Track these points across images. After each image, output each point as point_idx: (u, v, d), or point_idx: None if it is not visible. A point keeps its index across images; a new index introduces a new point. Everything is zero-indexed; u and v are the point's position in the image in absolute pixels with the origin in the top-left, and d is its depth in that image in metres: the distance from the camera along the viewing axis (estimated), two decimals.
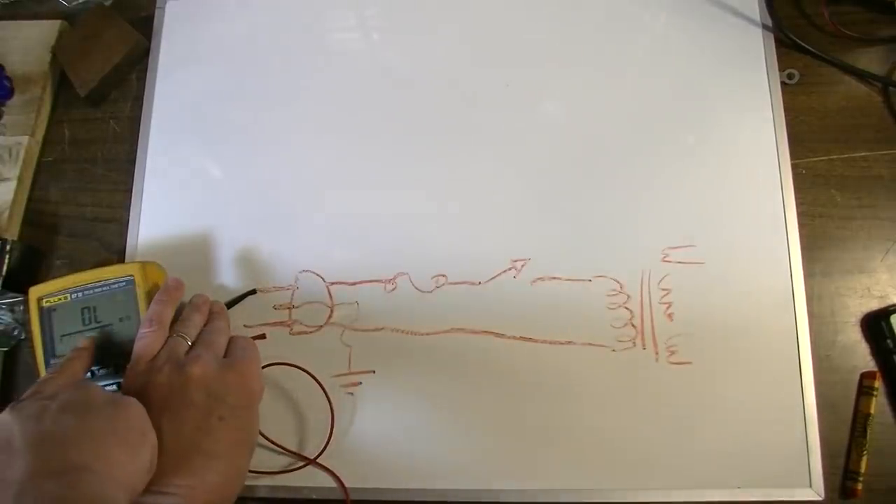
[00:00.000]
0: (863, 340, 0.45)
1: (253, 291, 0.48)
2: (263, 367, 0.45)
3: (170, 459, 0.36)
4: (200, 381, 0.37)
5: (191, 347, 0.40)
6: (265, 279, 0.49)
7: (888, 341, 0.44)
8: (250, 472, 0.44)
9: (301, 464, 0.45)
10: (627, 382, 0.45)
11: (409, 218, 0.49)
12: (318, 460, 0.44)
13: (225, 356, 0.41)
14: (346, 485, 0.44)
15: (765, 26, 0.51)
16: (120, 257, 0.51)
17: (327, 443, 0.45)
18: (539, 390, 0.45)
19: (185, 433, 0.37)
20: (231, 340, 0.42)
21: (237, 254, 0.49)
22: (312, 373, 0.46)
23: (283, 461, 0.45)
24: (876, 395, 0.44)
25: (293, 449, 0.45)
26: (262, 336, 0.46)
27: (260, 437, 0.44)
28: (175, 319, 0.42)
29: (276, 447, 0.45)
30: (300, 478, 0.45)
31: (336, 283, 0.48)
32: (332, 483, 0.44)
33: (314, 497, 0.44)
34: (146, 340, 0.40)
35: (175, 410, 0.37)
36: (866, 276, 0.46)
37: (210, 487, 0.36)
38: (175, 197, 0.51)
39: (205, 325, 0.42)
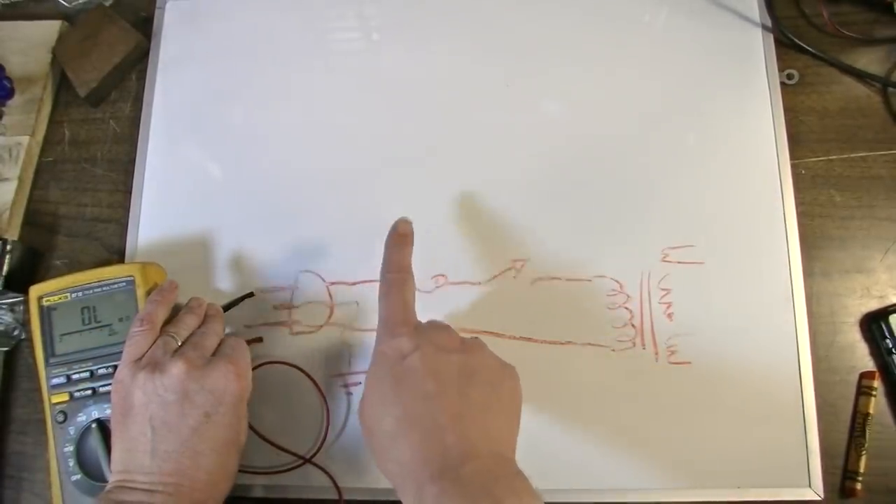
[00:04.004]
0: (862, 340, 0.45)
1: (251, 294, 0.48)
2: (258, 366, 0.45)
3: (157, 457, 0.36)
4: (183, 378, 0.37)
5: (179, 347, 0.40)
6: (265, 279, 0.49)
7: (887, 341, 0.44)
8: (245, 471, 0.44)
9: (296, 463, 0.45)
10: (627, 382, 0.45)
11: (409, 218, 0.49)
12: (313, 459, 0.44)
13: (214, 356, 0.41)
14: (342, 484, 0.44)
15: (764, 26, 0.51)
16: (120, 257, 0.51)
17: (322, 442, 0.45)
18: (539, 390, 0.45)
19: (170, 431, 0.37)
20: (221, 341, 0.42)
21: (237, 253, 0.50)
22: (309, 372, 0.46)
23: (278, 460, 0.45)
24: (875, 395, 0.44)
25: (289, 448, 0.45)
26: (259, 339, 0.46)
27: (255, 435, 0.44)
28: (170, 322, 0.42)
29: (271, 446, 0.45)
30: (295, 477, 0.45)
31: (336, 282, 0.48)
32: (327, 482, 0.44)
33: (310, 497, 0.45)
34: (135, 339, 0.40)
35: (159, 408, 0.37)
36: (865, 276, 0.46)
37: (198, 485, 0.37)
38: (175, 197, 0.51)
39: (199, 328, 0.42)
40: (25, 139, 0.53)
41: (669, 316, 0.46)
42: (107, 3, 0.57)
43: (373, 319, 0.47)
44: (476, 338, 0.38)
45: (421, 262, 0.47)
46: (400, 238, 0.41)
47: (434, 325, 0.38)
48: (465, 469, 0.31)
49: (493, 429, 0.34)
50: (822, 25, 0.51)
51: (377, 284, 0.47)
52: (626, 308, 0.46)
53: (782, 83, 0.50)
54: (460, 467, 0.31)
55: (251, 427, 0.44)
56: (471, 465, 0.31)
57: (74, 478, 0.42)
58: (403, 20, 0.54)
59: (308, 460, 0.44)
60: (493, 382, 0.36)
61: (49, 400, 0.43)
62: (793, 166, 0.48)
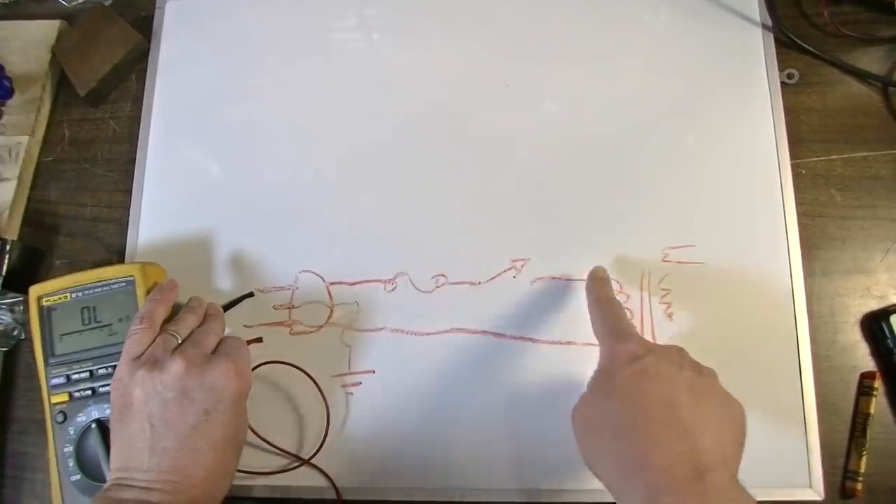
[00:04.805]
0: (862, 340, 0.45)
1: (251, 294, 0.48)
2: (259, 366, 0.45)
3: (155, 455, 0.36)
4: (182, 376, 0.37)
5: (179, 345, 0.40)
6: (265, 279, 0.49)
7: (888, 341, 0.44)
8: (244, 472, 0.44)
9: (295, 464, 0.45)
10: None
11: (409, 218, 0.49)
12: (313, 460, 0.44)
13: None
14: (344, 484, 0.44)
15: (765, 26, 0.51)
16: (120, 257, 0.51)
17: (322, 443, 0.45)
18: (539, 390, 0.45)
19: (169, 428, 0.37)
20: (221, 340, 0.42)
21: (237, 253, 0.50)
22: (309, 372, 0.46)
23: (279, 461, 0.45)
24: (876, 395, 0.44)
25: (291, 449, 0.45)
26: (259, 339, 0.46)
27: (255, 436, 0.44)
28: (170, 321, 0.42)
29: (270, 447, 0.45)
30: (296, 477, 0.45)
31: (336, 283, 0.48)
32: (327, 482, 0.44)
33: (310, 497, 0.45)
34: (135, 338, 0.40)
35: (158, 405, 0.37)
36: (866, 276, 0.46)
37: (195, 483, 0.37)
38: (175, 197, 0.51)
39: (199, 327, 0.42)
40: (25, 139, 0.54)
41: (669, 316, 0.46)
42: (107, 3, 0.57)
43: (373, 319, 0.47)
44: (709, 367, 0.37)
45: (421, 261, 0.48)
46: (600, 280, 0.43)
47: (666, 344, 0.38)
48: (704, 482, 0.31)
49: (725, 450, 0.33)
50: (823, 25, 0.51)
51: (377, 284, 0.48)
52: (626, 308, 0.46)
53: (782, 83, 0.49)
54: (699, 480, 0.31)
55: (251, 428, 0.44)
56: (709, 479, 0.31)
57: (74, 478, 0.42)
58: (403, 20, 0.54)
59: (306, 462, 0.44)
60: (722, 406, 0.35)
61: (49, 400, 0.43)
62: (793, 166, 0.48)
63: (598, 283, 0.43)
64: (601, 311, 0.41)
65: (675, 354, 0.37)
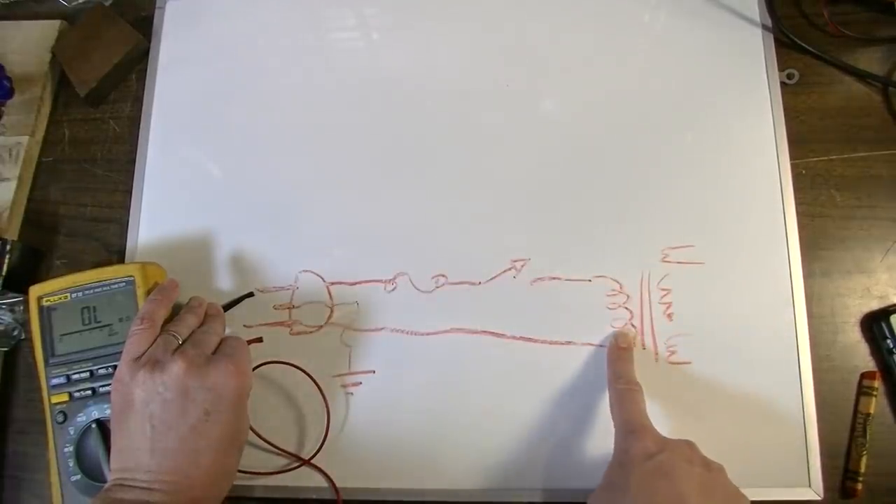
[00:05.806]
0: (862, 340, 0.45)
1: (251, 294, 0.48)
2: (259, 366, 0.45)
3: (155, 455, 0.36)
4: (183, 376, 0.37)
5: (180, 346, 0.40)
6: (265, 279, 0.49)
7: (888, 341, 0.44)
8: (245, 472, 0.44)
9: (295, 464, 0.45)
10: None
11: (409, 218, 0.49)
12: (313, 461, 0.44)
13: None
14: (344, 485, 0.44)
15: (764, 26, 0.51)
16: (120, 257, 0.51)
17: (322, 443, 0.45)
18: (539, 390, 0.45)
19: (170, 429, 0.37)
20: (221, 340, 0.42)
21: (237, 253, 0.50)
22: (309, 372, 0.46)
23: (279, 461, 0.45)
24: (876, 395, 0.44)
25: (291, 449, 0.45)
26: (259, 339, 0.46)
27: (255, 436, 0.44)
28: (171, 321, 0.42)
29: (270, 447, 0.45)
30: (296, 478, 0.45)
31: (336, 283, 0.48)
32: (327, 482, 0.44)
33: (313, 497, 0.45)
34: (136, 338, 0.40)
35: (158, 406, 0.37)
36: (866, 276, 0.46)
37: (196, 483, 0.37)
38: (175, 197, 0.51)
39: (199, 327, 0.42)
40: (25, 139, 0.54)
41: (669, 316, 0.46)
42: (107, 3, 0.57)
43: (373, 319, 0.47)
44: (718, 462, 0.38)
45: (421, 261, 0.48)
46: (623, 351, 0.44)
47: (679, 439, 0.39)
48: None
49: None
50: (823, 25, 0.51)
51: (377, 284, 0.48)
52: (626, 308, 0.46)
53: (782, 83, 0.49)
54: None
55: (251, 428, 0.43)
56: None
57: (74, 478, 0.42)
58: (403, 20, 0.54)
59: (306, 462, 0.44)
60: (730, 502, 0.36)
61: (49, 400, 0.43)
62: (793, 166, 0.48)
63: (620, 357, 0.44)
64: (619, 395, 0.42)
65: (688, 451, 0.38)
